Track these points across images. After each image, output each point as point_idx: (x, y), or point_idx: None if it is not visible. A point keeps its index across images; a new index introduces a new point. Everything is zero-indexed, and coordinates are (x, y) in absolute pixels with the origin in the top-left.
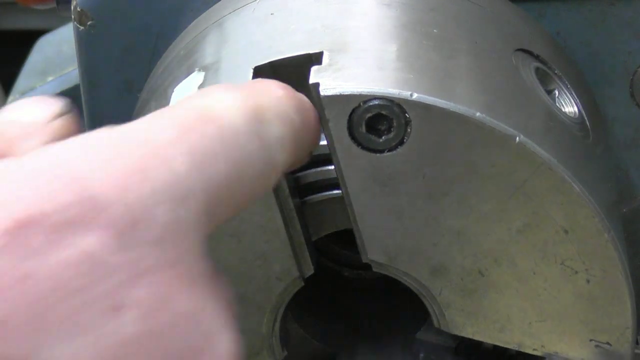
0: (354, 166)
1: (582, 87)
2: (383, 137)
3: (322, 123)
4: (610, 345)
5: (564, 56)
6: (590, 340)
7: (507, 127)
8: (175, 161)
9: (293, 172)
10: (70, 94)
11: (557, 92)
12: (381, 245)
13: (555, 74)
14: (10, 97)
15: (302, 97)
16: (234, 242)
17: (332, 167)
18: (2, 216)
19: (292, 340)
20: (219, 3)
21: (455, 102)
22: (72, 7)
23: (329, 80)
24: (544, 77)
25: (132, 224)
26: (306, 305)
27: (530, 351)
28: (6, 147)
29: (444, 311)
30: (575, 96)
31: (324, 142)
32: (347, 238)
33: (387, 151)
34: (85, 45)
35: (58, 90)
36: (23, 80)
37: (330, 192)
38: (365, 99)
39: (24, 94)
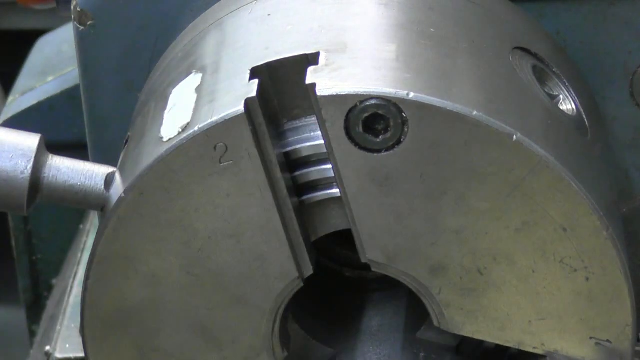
0: (351, 166)
1: (581, 85)
2: (380, 137)
3: (319, 123)
4: (611, 342)
5: (563, 55)
6: (591, 338)
7: (505, 125)
8: None
9: (291, 172)
10: (70, 94)
11: (555, 91)
12: (380, 245)
13: (554, 72)
14: (10, 97)
15: None
16: (233, 243)
17: (330, 166)
18: None
19: (292, 340)
20: (218, 4)
21: (452, 101)
22: (72, 7)
23: (325, 81)
24: (542, 76)
25: None
26: (306, 305)
27: (530, 349)
28: None
29: (443, 310)
30: (573, 94)
31: (321, 142)
32: (347, 238)
33: (385, 151)
34: (85, 45)
35: (58, 91)
36: (23, 80)
37: (329, 192)
38: (362, 98)
39: (24, 94)
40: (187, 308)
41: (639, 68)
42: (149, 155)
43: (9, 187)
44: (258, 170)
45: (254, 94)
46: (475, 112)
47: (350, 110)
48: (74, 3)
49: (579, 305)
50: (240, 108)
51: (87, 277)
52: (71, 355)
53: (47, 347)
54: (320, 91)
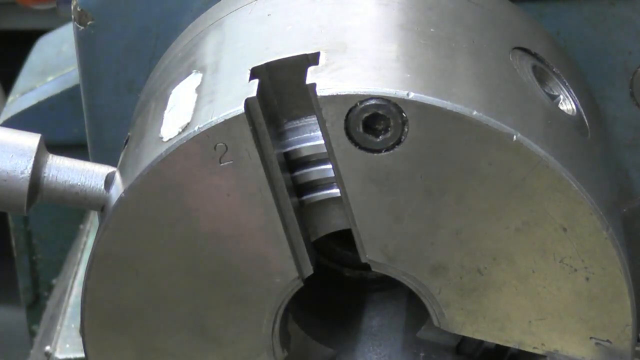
0: (351, 166)
1: (581, 85)
2: (380, 137)
3: (319, 123)
4: (611, 342)
5: (563, 55)
6: (591, 338)
7: (504, 125)
8: None
9: (291, 172)
10: (70, 94)
11: (555, 91)
12: (380, 245)
13: (554, 72)
14: (10, 97)
15: None
16: (233, 243)
17: (330, 166)
18: None
19: (292, 340)
20: (218, 4)
21: (452, 101)
22: (72, 7)
23: (325, 81)
24: (542, 75)
25: None
26: (306, 305)
27: (530, 349)
28: None
29: (443, 310)
30: (573, 94)
31: (321, 142)
32: (347, 238)
33: (385, 151)
34: (85, 45)
35: (58, 91)
36: (23, 80)
37: (329, 192)
38: (362, 98)
39: (24, 94)
40: (187, 308)
41: (639, 68)
42: (149, 155)
43: (9, 187)
44: (258, 170)
45: (254, 94)
46: (475, 112)
47: (350, 110)
48: (74, 3)
49: (579, 305)
50: (240, 108)
51: (87, 277)
52: (71, 355)
53: (47, 347)
54: (320, 91)
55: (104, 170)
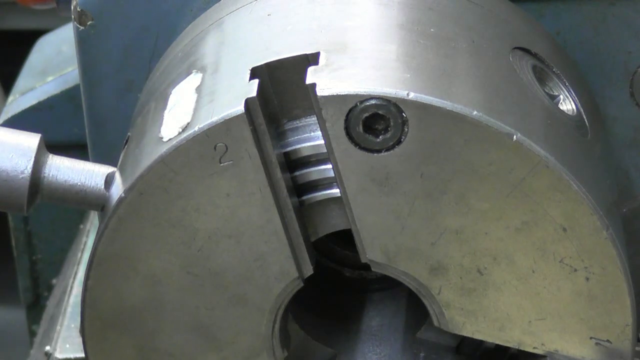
0: (351, 166)
1: (581, 85)
2: (380, 137)
3: (319, 123)
4: (611, 342)
5: (563, 55)
6: (591, 337)
7: (504, 125)
8: None
9: (291, 172)
10: (70, 94)
11: (555, 91)
12: (380, 245)
13: (554, 72)
14: (10, 97)
15: None
16: (233, 243)
17: (330, 166)
18: None
19: (292, 340)
20: (218, 4)
21: (452, 101)
22: (72, 7)
23: (325, 81)
24: (541, 75)
25: None
26: (306, 305)
27: (530, 349)
28: None
29: (443, 310)
30: (573, 94)
31: (321, 142)
32: (347, 238)
33: (385, 151)
34: (85, 45)
35: (58, 91)
36: (23, 80)
37: (329, 192)
38: (362, 98)
39: (24, 94)
40: (187, 308)
41: (639, 68)
42: (149, 155)
43: (9, 187)
44: (258, 170)
45: (254, 94)
46: (475, 112)
47: (350, 110)
48: (74, 3)
49: (579, 305)
50: (240, 108)
51: (87, 277)
52: (71, 355)
53: (47, 347)
54: (320, 91)
55: (104, 170)
